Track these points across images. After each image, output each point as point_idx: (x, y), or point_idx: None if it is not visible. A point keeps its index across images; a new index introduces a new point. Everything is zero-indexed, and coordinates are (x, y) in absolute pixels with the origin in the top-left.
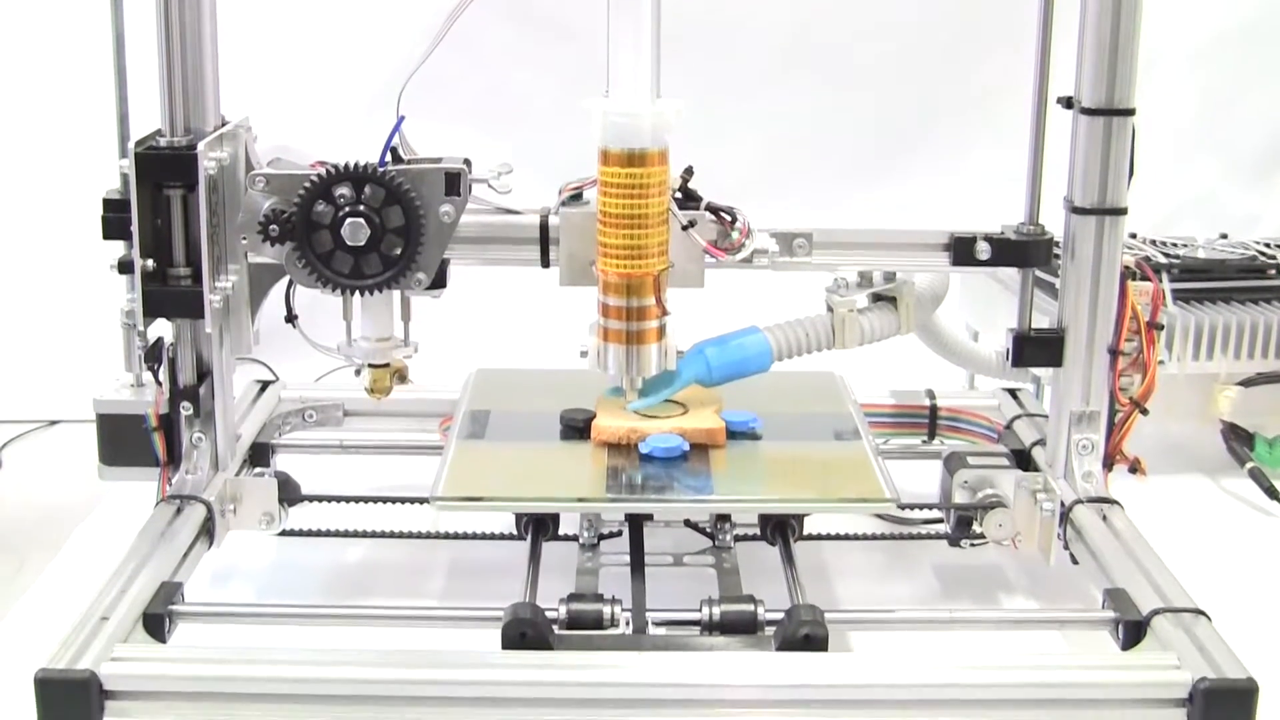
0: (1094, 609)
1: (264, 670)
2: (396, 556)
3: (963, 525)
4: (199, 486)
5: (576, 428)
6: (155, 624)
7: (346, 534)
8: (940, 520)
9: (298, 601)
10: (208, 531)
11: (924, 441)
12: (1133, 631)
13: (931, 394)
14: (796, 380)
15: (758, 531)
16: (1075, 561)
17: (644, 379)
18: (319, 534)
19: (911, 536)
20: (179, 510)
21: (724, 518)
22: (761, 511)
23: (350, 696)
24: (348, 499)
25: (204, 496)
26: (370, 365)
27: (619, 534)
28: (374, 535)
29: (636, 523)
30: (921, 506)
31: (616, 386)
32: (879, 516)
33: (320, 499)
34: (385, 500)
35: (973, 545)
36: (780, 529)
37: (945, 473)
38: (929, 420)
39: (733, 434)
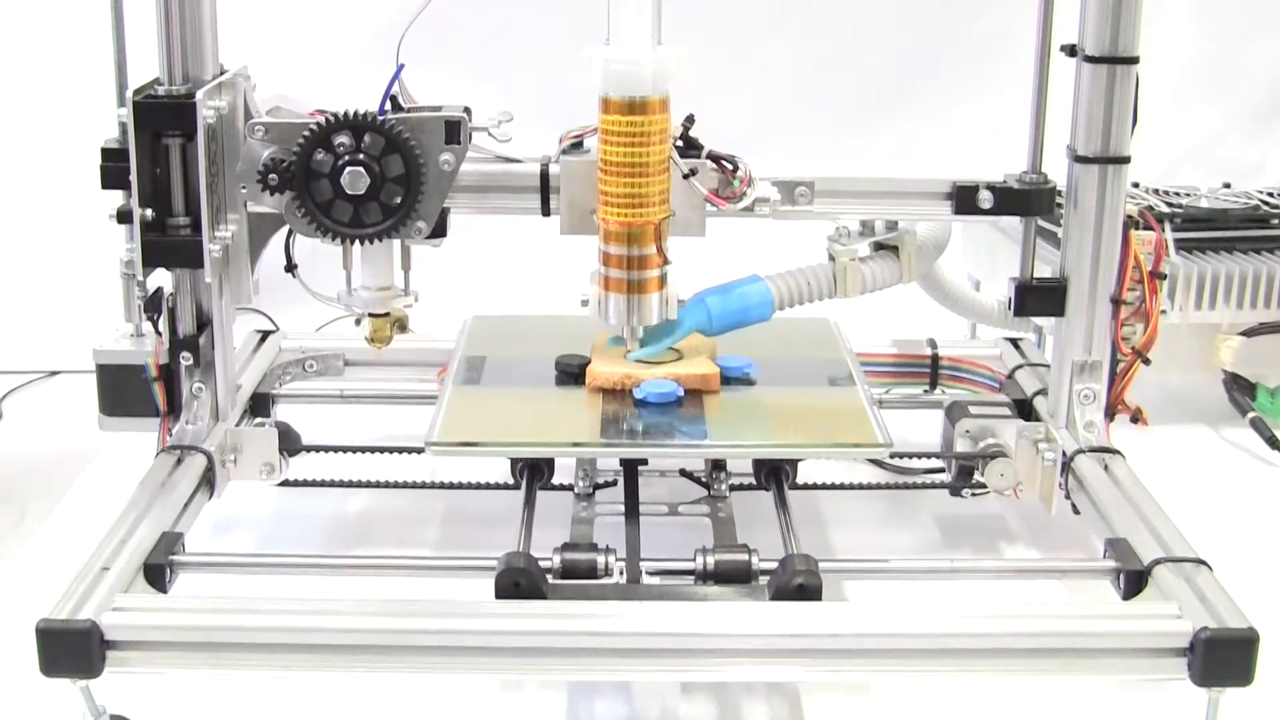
0: (1095, 559)
1: (263, 620)
2: (395, 506)
3: (964, 475)
4: (199, 437)
5: (572, 373)
6: (156, 574)
7: (346, 484)
8: (941, 470)
9: (298, 551)
10: (208, 482)
11: (926, 391)
12: (1134, 581)
13: (933, 343)
14: (792, 327)
15: (753, 480)
16: (1077, 511)
17: (645, 328)
18: (319, 484)
19: (912, 486)
20: (179, 461)
21: (719, 466)
22: (755, 456)
23: (346, 646)
24: (348, 449)
25: (204, 447)
26: (370, 314)
27: (614, 483)
28: (372, 485)
29: (631, 470)
30: (923, 455)
31: (617, 336)
32: (878, 465)
33: (321, 449)
34: (385, 450)
35: (974, 495)
36: (774, 474)
37: (947, 422)
38: (931, 370)
39: (728, 380)
